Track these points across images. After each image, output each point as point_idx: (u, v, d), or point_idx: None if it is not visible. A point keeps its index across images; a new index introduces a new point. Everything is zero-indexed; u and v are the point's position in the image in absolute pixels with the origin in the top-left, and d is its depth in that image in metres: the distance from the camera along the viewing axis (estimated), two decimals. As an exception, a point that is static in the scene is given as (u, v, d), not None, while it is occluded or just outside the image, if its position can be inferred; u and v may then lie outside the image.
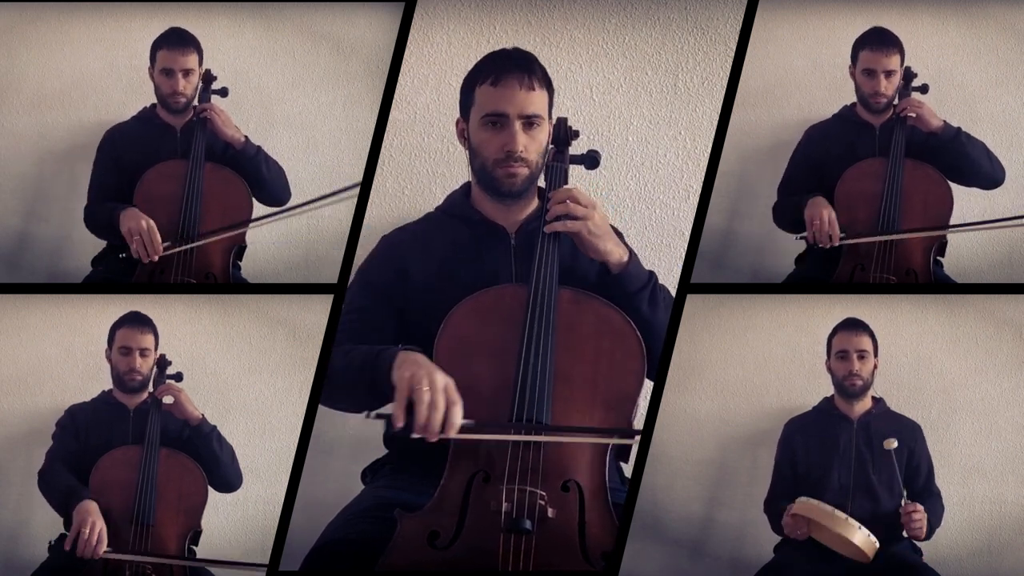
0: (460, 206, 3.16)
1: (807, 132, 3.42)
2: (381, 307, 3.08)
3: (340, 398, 3.03)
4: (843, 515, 3.08)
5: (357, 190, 3.32)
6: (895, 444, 3.17)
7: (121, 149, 3.39)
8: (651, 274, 3.05)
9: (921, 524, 3.15)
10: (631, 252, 3.03)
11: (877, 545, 3.09)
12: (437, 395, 2.73)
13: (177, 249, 3.34)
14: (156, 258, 3.32)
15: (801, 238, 3.39)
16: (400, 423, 2.73)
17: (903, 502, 3.18)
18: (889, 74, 3.37)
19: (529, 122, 3.02)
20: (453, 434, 2.75)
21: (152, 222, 3.31)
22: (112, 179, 3.39)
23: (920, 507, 3.17)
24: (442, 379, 2.75)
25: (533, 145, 3.04)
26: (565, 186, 3.03)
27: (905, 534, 3.17)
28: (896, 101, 3.39)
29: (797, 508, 3.13)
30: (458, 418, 2.74)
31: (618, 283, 3.00)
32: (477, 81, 3.06)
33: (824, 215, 3.34)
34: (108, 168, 3.39)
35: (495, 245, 3.10)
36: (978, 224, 3.39)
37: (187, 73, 3.38)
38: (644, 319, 2.98)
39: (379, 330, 3.05)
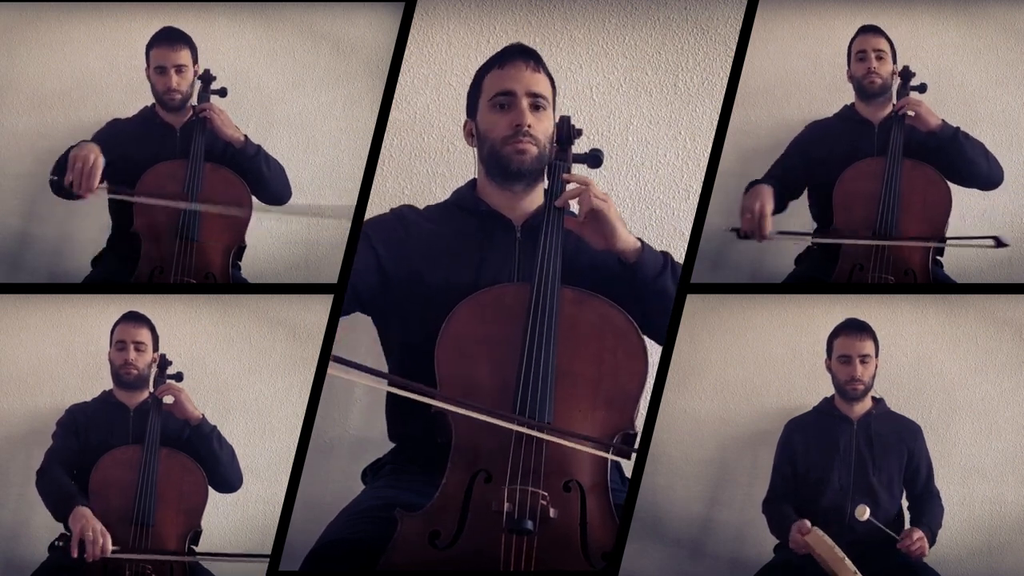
0: (468, 199, 3.18)
1: (808, 127, 3.42)
2: (373, 267, 3.10)
3: None
4: (851, 565, 3.07)
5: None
6: (867, 514, 3.16)
7: (119, 143, 3.39)
8: (665, 254, 3.06)
9: (922, 546, 3.15)
10: (641, 240, 3.04)
11: None
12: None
13: (117, 196, 3.32)
14: (86, 196, 3.28)
15: (732, 230, 3.39)
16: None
17: (902, 536, 3.17)
18: (880, 55, 3.37)
19: (536, 103, 3.07)
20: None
21: (99, 156, 3.29)
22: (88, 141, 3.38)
23: (917, 532, 3.16)
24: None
25: (540, 127, 3.07)
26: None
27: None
28: (894, 98, 3.39)
29: (811, 539, 3.11)
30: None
31: (636, 272, 3.00)
32: (484, 73, 3.13)
33: (756, 208, 3.34)
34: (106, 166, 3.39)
35: (501, 237, 3.11)
36: (964, 239, 3.38)
37: (180, 69, 3.38)
38: (672, 298, 3.00)
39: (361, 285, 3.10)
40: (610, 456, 2.88)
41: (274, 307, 3.36)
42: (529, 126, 3.06)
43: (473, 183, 3.21)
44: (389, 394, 3.15)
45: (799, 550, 3.13)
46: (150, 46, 3.37)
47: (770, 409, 3.34)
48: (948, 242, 3.35)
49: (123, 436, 3.28)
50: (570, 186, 3.02)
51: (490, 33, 3.58)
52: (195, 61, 3.39)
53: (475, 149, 3.17)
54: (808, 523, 3.11)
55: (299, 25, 3.44)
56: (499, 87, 3.09)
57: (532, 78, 3.09)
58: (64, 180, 3.29)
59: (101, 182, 3.30)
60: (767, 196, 3.35)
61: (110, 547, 3.17)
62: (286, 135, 3.44)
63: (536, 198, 3.16)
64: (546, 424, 2.84)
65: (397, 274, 3.10)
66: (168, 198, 3.35)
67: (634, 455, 3.01)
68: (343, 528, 2.93)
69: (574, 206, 3.03)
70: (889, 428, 3.24)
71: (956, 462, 3.33)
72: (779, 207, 3.38)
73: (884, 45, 3.37)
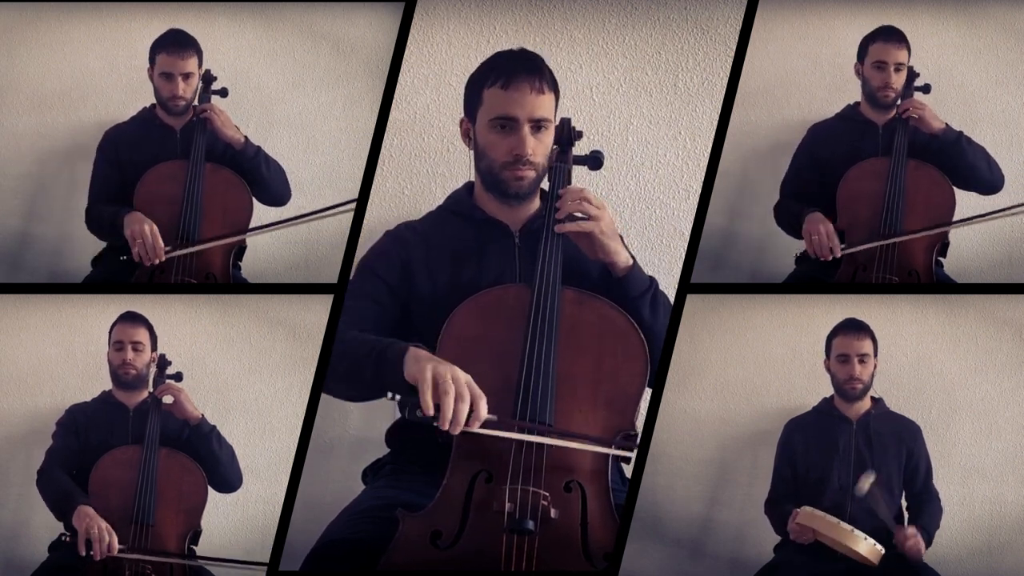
0: (464, 204, 3.16)
1: (810, 130, 3.42)
2: (385, 295, 3.07)
3: (337, 384, 3.01)
4: (847, 526, 3.08)
5: (353, 205, 3.32)
6: (872, 478, 3.16)
7: (121, 149, 3.39)
8: (652, 279, 3.05)
9: (917, 544, 3.14)
10: (635, 259, 3.04)
11: (883, 551, 3.08)
12: (463, 389, 2.72)
13: (178, 253, 3.33)
14: (157, 262, 3.32)
15: (802, 253, 3.39)
16: (430, 412, 2.71)
17: (895, 530, 3.16)
18: (899, 68, 3.37)
19: (538, 125, 3.03)
20: (477, 427, 2.74)
21: (154, 226, 3.31)
22: (112, 179, 3.38)
23: (911, 530, 3.16)
24: (464, 375, 2.75)
25: (540, 148, 3.04)
26: (576, 186, 3.04)
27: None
28: (899, 101, 3.39)
29: (801, 518, 3.12)
30: (484, 411, 2.74)
31: (621, 286, 3.00)
32: (485, 82, 3.05)
33: (822, 231, 3.34)
34: (108, 168, 3.39)
35: (499, 244, 3.11)
36: (977, 218, 3.38)
37: (187, 77, 3.38)
38: (645, 324, 2.98)
39: (383, 316, 3.06)
40: (612, 451, 2.87)
41: (274, 307, 3.36)
42: (530, 153, 3.03)
43: (470, 187, 3.19)
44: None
45: (800, 538, 3.13)
46: (156, 49, 3.36)
47: (770, 409, 3.35)
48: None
49: (123, 436, 3.28)
50: (566, 204, 2.99)
51: (490, 33, 3.58)
52: (200, 66, 3.39)
53: (471, 152, 3.15)
54: (796, 509, 3.12)
55: (299, 25, 3.44)
56: (501, 110, 3.02)
57: (536, 102, 3.01)
58: (133, 257, 3.31)
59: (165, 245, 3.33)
60: (823, 218, 3.35)
61: (116, 545, 3.17)
62: (286, 135, 3.44)
63: (533, 203, 3.15)
64: (547, 427, 2.84)
65: (402, 290, 3.09)
66: (169, 200, 3.35)
67: (635, 453, 3.01)
68: (343, 528, 2.93)
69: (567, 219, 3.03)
70: (888, 428, 3.24)
71: (956, 462, 3.33)
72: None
73: (905, 56, 3.36)
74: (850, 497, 3.18)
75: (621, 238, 3.07)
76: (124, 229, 3.31)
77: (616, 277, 3.01)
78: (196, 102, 3.39)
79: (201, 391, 3.31)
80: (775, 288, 3.41)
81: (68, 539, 3.21)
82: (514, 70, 3.03)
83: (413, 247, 3.12)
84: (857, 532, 3.08)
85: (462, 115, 3.13)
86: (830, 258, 3.34)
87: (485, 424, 2.76)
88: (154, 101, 3.39)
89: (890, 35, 3.37)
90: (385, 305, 3.06)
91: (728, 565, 3.35)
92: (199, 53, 3.38)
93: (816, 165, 3.41)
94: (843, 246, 3.34)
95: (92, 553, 3.15)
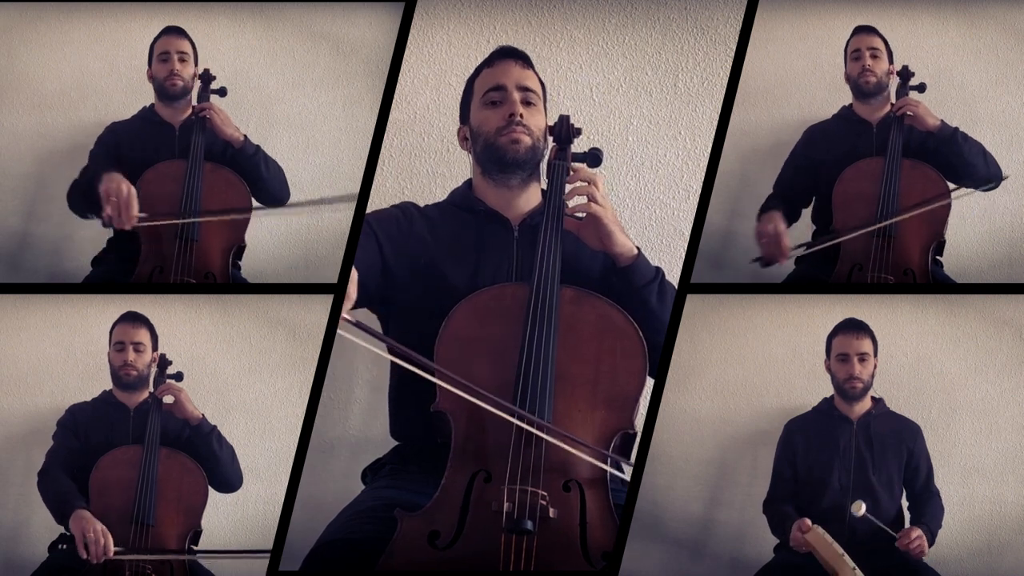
0: (465, 198, 3.20)
1: (806, 132, 3.42)
2: (375, 255, 3.10)
3: None
4: (850, 562, 3.07)
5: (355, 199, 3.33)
6: (863, 510, 3.15)
7: (121, 145, 3.39)
8: (658, 269, 3.07)
9: (921, 544, 3.14)
10: (639, 249, 3.05)
11: None
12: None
13: (147, 224, 3.32)
14: (128, 227, 3.29)
15: (755, 260, 3.39)
16: None
17: (899, 535, 3.16)
18: (874, 54, 3.37)
19: (526, 98, 3.11)
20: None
21: (132, 188, 3.29)
22: (110, 171, 3.37)
23: (916, 530, 3.16)
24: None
25: (532, 120, 3.12)
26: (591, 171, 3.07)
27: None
28: (893, 98, 3.39)
29: (811, 536, 3.11)
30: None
31: (627, 277, 3.01)
32: (474, 77, 3.18)
33: (770, 230, 3.35)
34: (106, 162, 3.38)
35: (498, 236, 3.13)
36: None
37: (183, 57, 3.38)
38: (653, 312, 3.00)
39: (371, 268, 3.09)
40: (608, 468, 2.87)
41: (274, 307, 3.36)
42: (522, 115, 3.09)
43: (469, 183, 3.22)
44: (392, 387, 3.17)
45: (800, 548, 3.13)
46: (153, 43, 3.38)
47: (770, 409, 3.34)
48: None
49: (123, 436, 3.28)
50: (576, 184, 3.03)
51: (490, 33, 3.59)
52: (196, 62, 3.39)
53: (469, 154, 3.19)
54: (808, 521, 3.11)
55: (299, 25, 3.44)
56: (490, 83, 3.13)
57: (522, 73, 3.13)
58: (103, 215, 3.30)
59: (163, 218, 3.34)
60: (778, 218, 3.36)
61: (112, 547, 3.17)
62: (286, 135, 3.44)
63: (532, 198, 3.17)
64: (546, 424, 2.84)
65: (399, 270, 3.11)
66: (169, 199, 3.35)
67: (632, 461, 3.01)
68: (343, 528, 2.93)
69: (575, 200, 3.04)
70: (889, 428, 3.24)
71: (956, 462, 3.33)
72: (792, 220, 3.38)
73: (879, 43, 3.38)
74: (850, 500, 3.17)
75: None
76: (99, 186, 3.29)
77: (622, 267, 3.02)
78: (195, 101, 3.39)
79: (201, 391, 3.31)
80: (775, 288, 3.40)
81: (63, 547, 3.21)
82: (497, 54, 3.17)
83: (416, 224, 3.16)
84: (859, 573, 3.07)
85: (460, 124, 3.21)
86: (782, 261, 3.35)
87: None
88: (154, 101, 3.39)
89: (861, 29, 3.39)
90: (374, 269, 3.09)
91: (728, 565, 3.34)
92: (192, 42, 3.38)
93: (811, 166, 3.41)
94: (793, 247, 3.36)
95: (88, 557, 3.15)
